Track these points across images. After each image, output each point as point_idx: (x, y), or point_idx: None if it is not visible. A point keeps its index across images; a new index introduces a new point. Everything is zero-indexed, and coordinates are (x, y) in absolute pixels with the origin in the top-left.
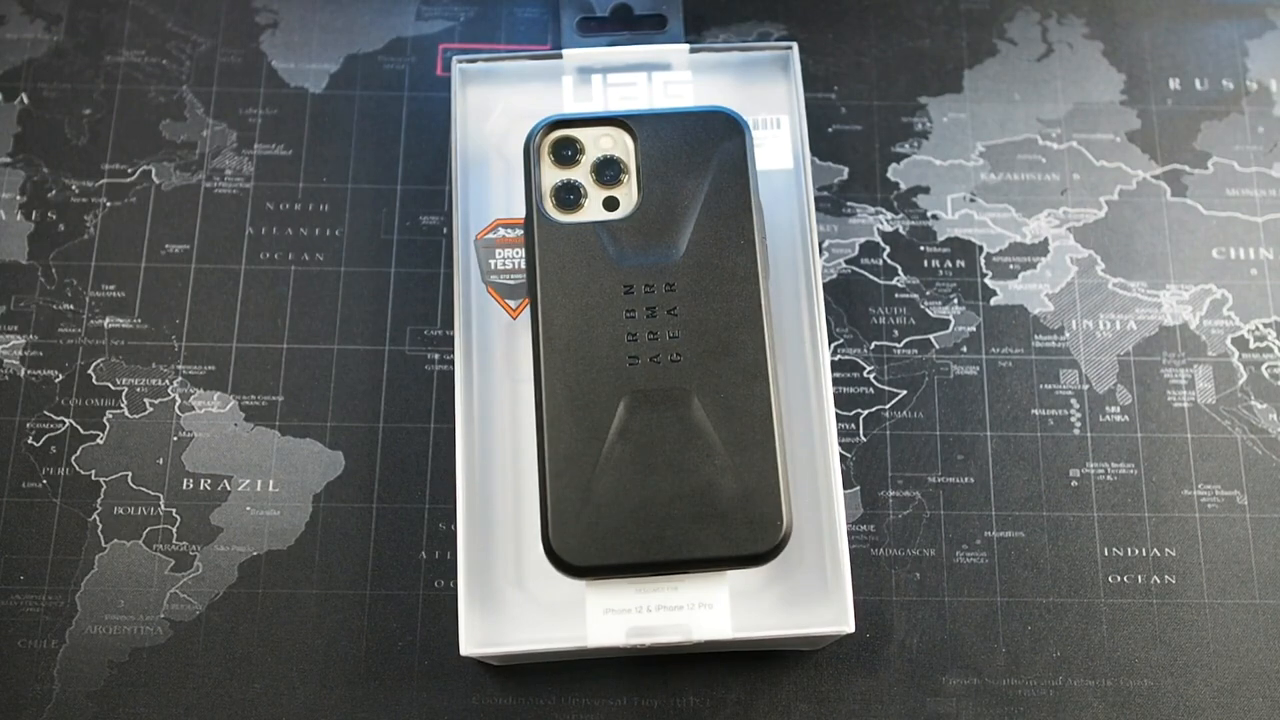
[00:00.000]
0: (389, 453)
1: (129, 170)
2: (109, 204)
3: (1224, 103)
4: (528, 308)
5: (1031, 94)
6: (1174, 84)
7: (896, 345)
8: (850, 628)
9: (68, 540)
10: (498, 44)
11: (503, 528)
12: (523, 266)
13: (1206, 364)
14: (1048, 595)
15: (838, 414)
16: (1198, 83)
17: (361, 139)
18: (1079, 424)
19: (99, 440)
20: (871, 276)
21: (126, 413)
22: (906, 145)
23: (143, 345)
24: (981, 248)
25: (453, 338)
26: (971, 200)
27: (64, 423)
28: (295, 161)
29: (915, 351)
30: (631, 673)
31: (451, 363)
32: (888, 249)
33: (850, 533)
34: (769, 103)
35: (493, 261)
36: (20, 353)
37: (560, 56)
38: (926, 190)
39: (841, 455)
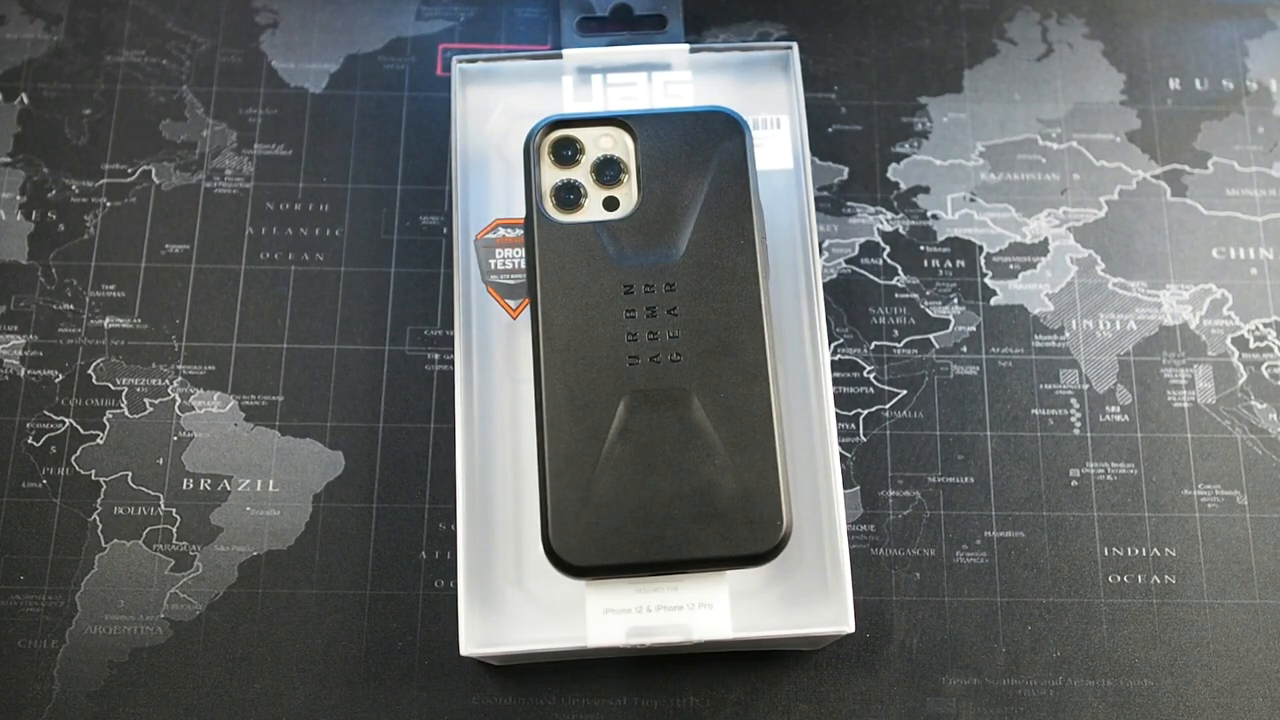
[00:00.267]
0: (389, 453)
1: (129, 170)
2: (109, 204)
3: (1224, 103)
4: (528, 308)
5: (1031, 94)
6: (1174, 84)
7: (896, 345)
8: (850, 628)
9: (68, 540)
10: (498, 44)
11: (503, 528)
12: (523, 266)
13: (1206, 364)
14: (1048, 595)
15: (838, 414)
16: (1198, 83)
17: (361, 139)
18: (1079, 424)
19: (99, 440)
20: (871, 276)
21: (126, 413)
22: (906, 145)
23: (143, 345)
24: (981, 248)
25: (453, 338)
26: (971, 200)
27: (64, 423)
28: (295, 161)
29: (915, 351)
30: (631, 673)
31: (451, 363)
32: (888, 249)
33: (850, 533)
34: (769, 103)
35: (493, 261)
36: (20, 353)
37: (560, 56)
38: (926, 190)
39: (841, 455)
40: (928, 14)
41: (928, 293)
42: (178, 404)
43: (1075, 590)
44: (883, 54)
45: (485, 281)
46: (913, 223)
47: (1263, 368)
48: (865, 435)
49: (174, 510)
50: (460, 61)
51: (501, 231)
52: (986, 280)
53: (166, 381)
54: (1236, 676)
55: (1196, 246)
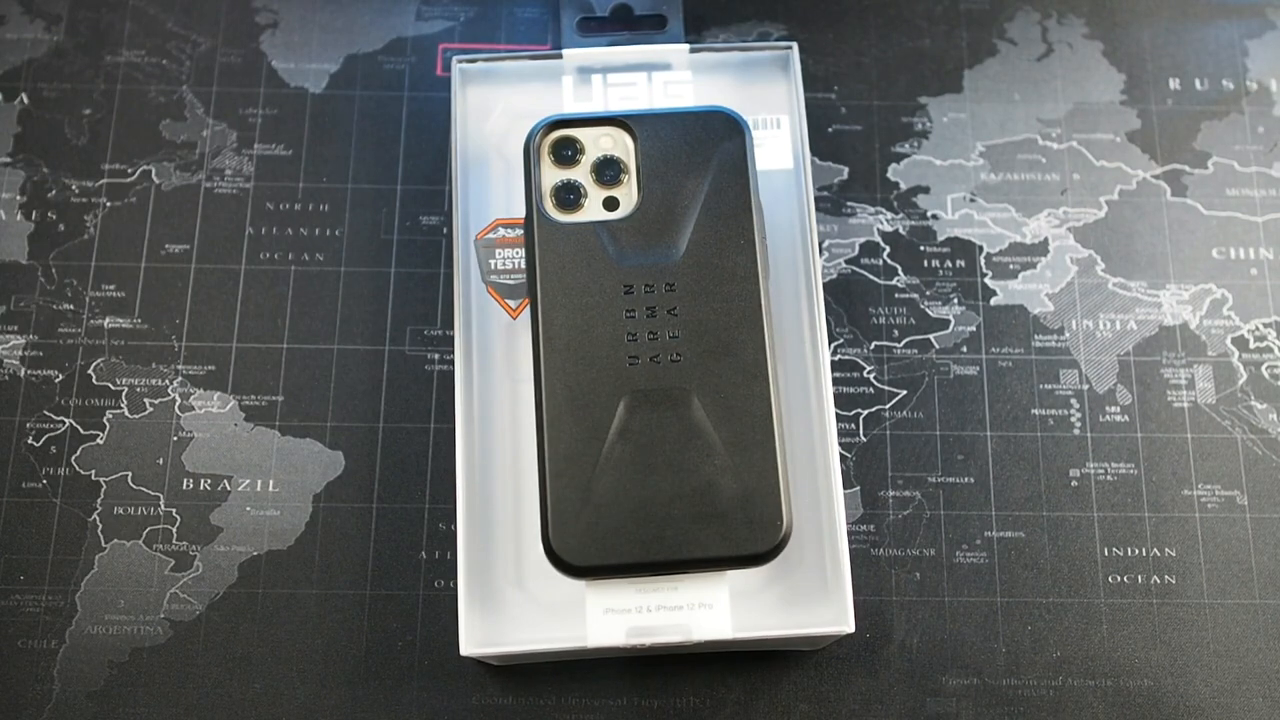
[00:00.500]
0: (389, 453)
1: (129, 170)
2: (109, 204)
3: (1224, 103)
4: (528, 308)
5: (1031, 94)
6: (1174, 84)
7: (896, 345)
8: (850, 628)
9: (68, 540)
10: (498, 44)
11: (503, 528)
12: (523, 266)
13: (1206, 364)
14: (1048, 595)
15: (838, 414)
16: (1198, 83)
17: (361, 139)
18: (1079, 424)
19: (99, 440)
20: (871, 276)
21: (126, 413)
22: (906, 145)
23: (143, 345)
24: (981, 248)
25: (453, 338)
26: (971, 200)
27: (64, 423)
28: (295, 161)
29: (915, 351)
30: (631, 673)
31: (451, 363)
32: (888, 249)
33: (850, 533)
34: (769, 103)
35: (493, 261)
36: (20, 353)
37: (560, 56)
38: (926, 190)
39: (841, 455)
40: (928, 14)
41: (928, 293)
42: (178, 404)
43: (1075, 590)
44: (883, 54)
45: (485, 281)
46: (913, 223)
47: (1263, 368)
48: (865, 435)
49: (174, 510)
50: (460, 61)
51: (501, 231)
52: (986, 280)
53: (166, 381)
54: (1236, 676)
55: (1196, 246)
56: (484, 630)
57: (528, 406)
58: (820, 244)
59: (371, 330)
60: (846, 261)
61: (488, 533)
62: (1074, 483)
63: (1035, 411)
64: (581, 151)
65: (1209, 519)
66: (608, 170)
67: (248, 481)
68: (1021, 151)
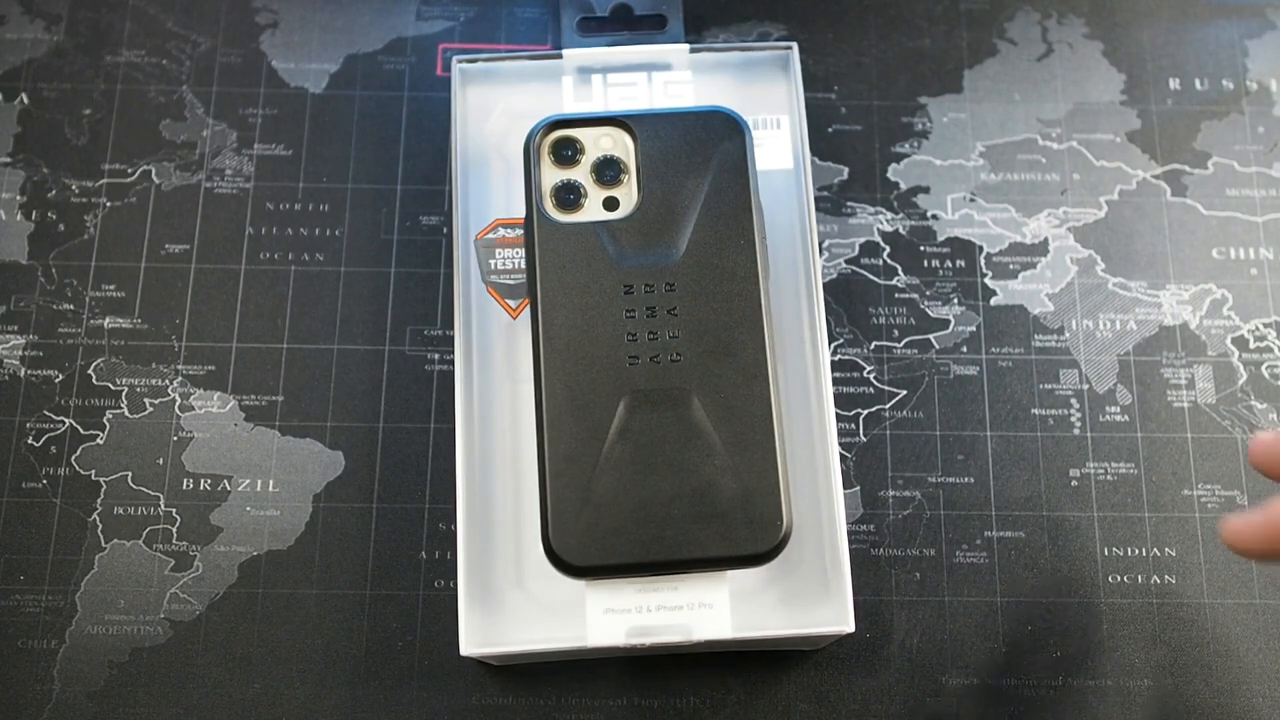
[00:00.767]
0: (389, 453)
1: (129, 170)
2: (109, 204)
3: (1224, 103)
4: (528, 308)
5: (1031, 94)
6: (1174, 84)
7: (896, 345)
8: (850, 627)
9: (68, 540)
10: (498, 44)
11: (503, 528)
12: (523, 266)
13: (1206, 364)
14: (1048, 595)
15: (838, 414)
16: (1198, 83)
17: (361, 139)
18: (1079, 424)
19: (99, 440)
20: (871, 276)
21: (126, 413)
22: (906, 145)
23: (143, 345)
24: (981, 248)
25: (453, 338)
26: (971, 200)
27: (64, 423)
28: (295, 161)
29: (915, 351)
30: (631, 673)
31: (451, 363)
32: (888, 249)
33: (850, 533)
34: (769, 103)
35: (493, 261)
36: (20, 353)
37: (560, 56)
38: (926, 190)
39: (841, 455)
40: (928, 14)
41: (928, 293)
42: (178, 404)
43: (1075, 590)
44: (883, 54)
45: (485, 281)
46: (913, 223)
47: (1263, 368)
48: (865, 435)
49: (174, 510)
50: (460, 61)
51: (501, 231)
52: (986, 280)
53: (166, 381)
54: (1236, 676)
55: (1196, 246)
56: (484, 630)
57: (528, 406)
58: (820, 244)
59: (371, 330)
60: (846, 261)
61: (488, 533)
62: (1074, 483)
63: (1035, 411)
64: (581, 151)
65: (1209, 519)
66: (608, 170)
67: (248, 481)
68: (1021, 151)
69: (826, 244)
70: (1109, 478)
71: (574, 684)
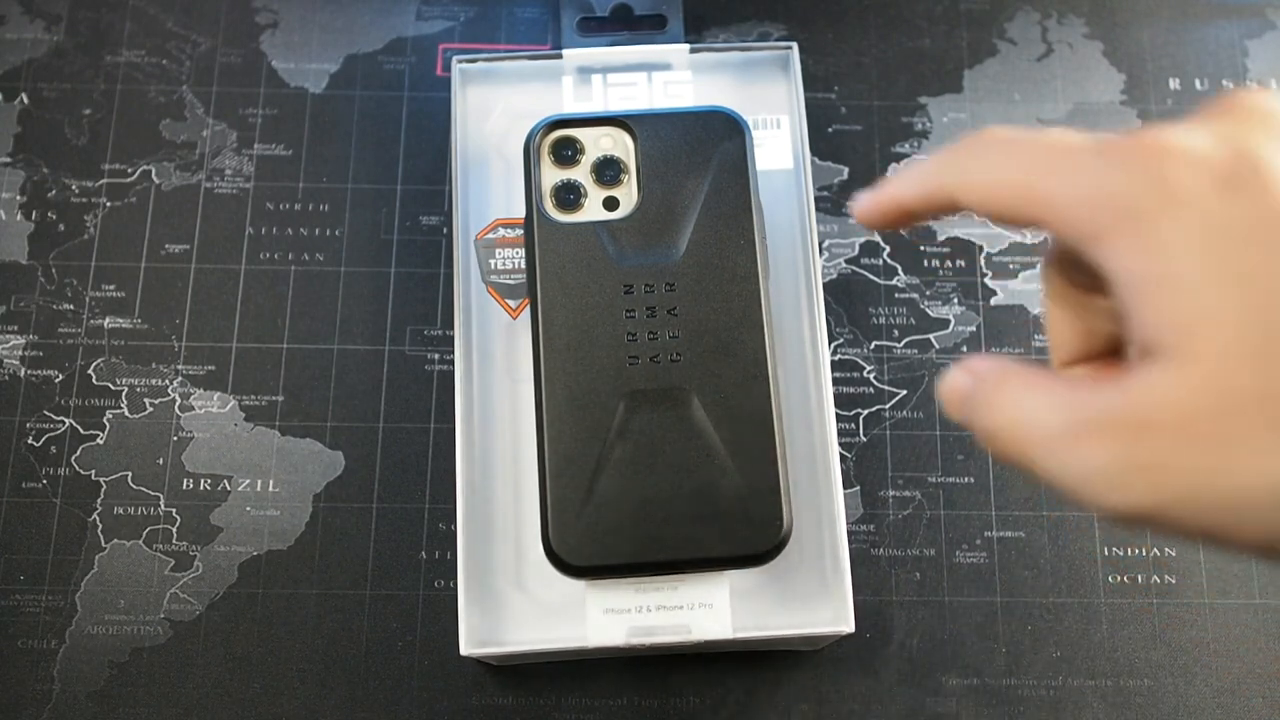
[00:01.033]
0: (389, 453)
1: (129, 170)
2: (109, 204)
3: None
4: (528, 308)
5: (1031, 94)
6: (1174, 84)
7: (896, 345)
8: (850, 628)
9: (68, 540)
10: (498, 44)
11: (502, 528)
12: (523, 266)
13: None
14: (1048, 595)
15: (838, 414)
16: (1198, 83)
17: (361, 139)
18: None
19: (99, 440)
20: (871, 276)
21: (126, 413)
22: (906, 145)
23: (143, 345)
24: (981, 247)
25: (453, 338)
26: None
27: (64, 423)
28: (295, 161)
29: (915, 351)
30: (631, 673)
31: (451, 363)
32: (888, 249)
33: (850, 533)
34: (769, 103)
35: (493, 261)
36: (20, 353)
37: (560, 56)
38: None
39: (841, 455)
40: (928, 14)
41: (928, 293)
42: (178, 404)
43: (1075, 590)
44: (883, 54)
45: (485, 281)
46: None
47: None
48: (865, 435)
49: (174, 510)
50: (460, 61)
51: (501, 231)
52: (987, 280)
53: (166, 381)
54: (1236, 676)
55: None
56: (484, 630)
57: (528, 406)
58: (820, 244)
59: (371, 330)
60: (846, 261)
61: (488, 533)
62: None
63: None
64: (581, 151)
65: None
66: (608, 170)
67: (248, 481)
68: None
69: (826, 244)
70: None
71: (574, 684)
